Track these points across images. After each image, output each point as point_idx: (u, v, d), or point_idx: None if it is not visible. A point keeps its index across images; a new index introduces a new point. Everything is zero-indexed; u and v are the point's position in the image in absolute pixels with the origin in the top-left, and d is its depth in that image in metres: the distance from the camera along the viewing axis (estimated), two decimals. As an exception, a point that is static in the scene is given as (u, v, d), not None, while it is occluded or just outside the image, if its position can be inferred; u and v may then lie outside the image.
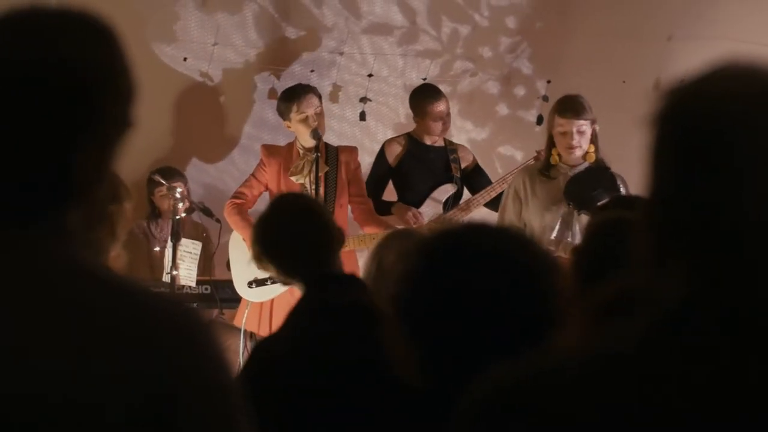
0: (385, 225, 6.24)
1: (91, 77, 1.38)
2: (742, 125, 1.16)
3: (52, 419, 1.27)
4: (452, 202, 6.49)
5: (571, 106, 5.67)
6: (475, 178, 6.62)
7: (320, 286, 3.11)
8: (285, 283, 3.29)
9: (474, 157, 6.74)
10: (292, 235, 3.19)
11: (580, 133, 5.65)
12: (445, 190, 6.55)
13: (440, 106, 6.50)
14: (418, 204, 6.50)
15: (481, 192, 6.44)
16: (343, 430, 2.81)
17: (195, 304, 6.18)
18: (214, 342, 1.36)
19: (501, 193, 6.23)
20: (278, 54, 7.36)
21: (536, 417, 1.20)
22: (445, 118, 6.54)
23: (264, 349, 3.12)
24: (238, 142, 7.41)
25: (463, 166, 6.61)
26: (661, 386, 1.18)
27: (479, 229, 2.01)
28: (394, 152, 6.63)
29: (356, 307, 3.01)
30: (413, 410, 1.97)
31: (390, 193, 6.64)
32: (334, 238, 3.24)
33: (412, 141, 6.63)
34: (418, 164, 6.56)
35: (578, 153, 5.68)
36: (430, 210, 6.48)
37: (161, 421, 1.29)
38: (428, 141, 6.59)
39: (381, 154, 6.68)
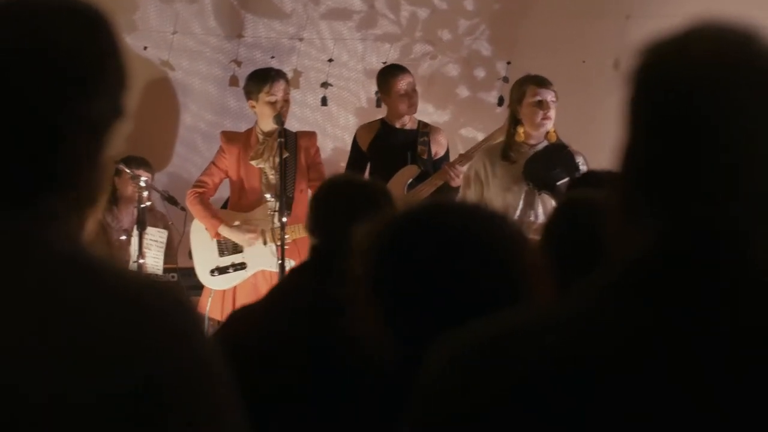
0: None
1: (83, 65, 1.38)
2: (715, 82, 1.19)
3: (39, 408, 1.27)
4: (414, 184, 6.48)
5: (543, 77, 5.69)
6: (438, 166, 6.59)
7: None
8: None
9: (447, 147, 6.72)
10: (348, 211, 3.10)
11: (553, 102, 5.66)
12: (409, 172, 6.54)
13: (403, 81, 6.52)
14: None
15: (430, 178, 6.38)
16: (311, 410, 2.81)
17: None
18: (201, 325, 1.36)
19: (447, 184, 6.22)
20: (238, 41, 7.36)
21: (497, 374, 1.23)
22: (411, 94, 6.55)
23: (239, 318, 3.07)
24: (201, 130, 7.41)
25: (434, 150, 6.63)
26: (621, 337, 1.20)
27: (446, 207, 2.02)
28: (365, 138, 6.65)
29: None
30: (384, 391, 1.98)
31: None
32: None
33: (383, 125, 6.65)
34: (388, 147, 6.57)
35: (549, 126, 5.67)
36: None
37: (150, 408, 1.29)
38: (398, 124, 6.61)
39: (354, 142, 6.71)
